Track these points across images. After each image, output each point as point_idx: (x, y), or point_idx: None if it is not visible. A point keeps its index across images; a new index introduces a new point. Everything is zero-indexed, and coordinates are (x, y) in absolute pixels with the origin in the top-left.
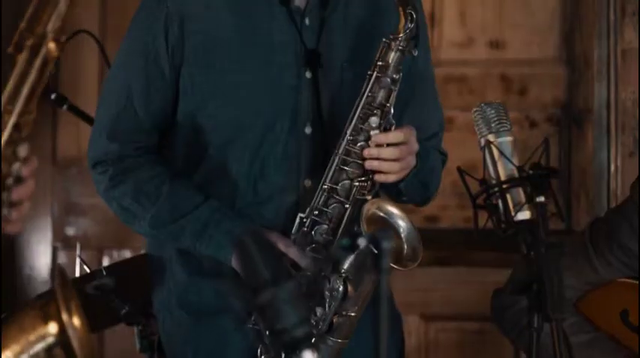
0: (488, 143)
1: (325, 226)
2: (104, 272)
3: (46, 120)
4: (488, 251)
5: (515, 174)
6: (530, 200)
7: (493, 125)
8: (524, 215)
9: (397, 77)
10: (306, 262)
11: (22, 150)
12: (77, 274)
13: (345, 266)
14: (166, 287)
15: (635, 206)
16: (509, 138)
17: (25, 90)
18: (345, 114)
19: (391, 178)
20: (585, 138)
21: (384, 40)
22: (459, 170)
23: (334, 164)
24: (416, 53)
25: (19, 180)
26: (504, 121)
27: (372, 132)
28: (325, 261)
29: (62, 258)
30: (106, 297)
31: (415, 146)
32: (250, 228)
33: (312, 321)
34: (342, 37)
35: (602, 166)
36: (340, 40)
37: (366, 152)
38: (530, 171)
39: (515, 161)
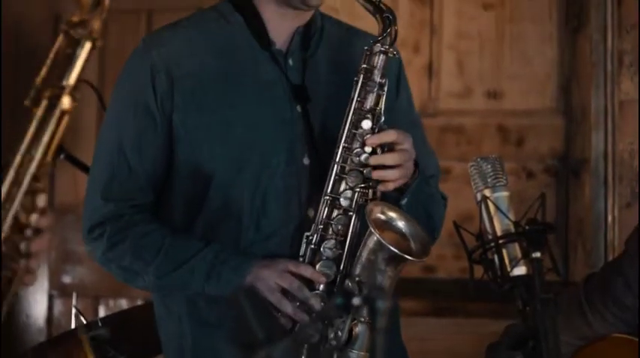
0: (485, 198)
1: (333, 241)
2: (100, 323)
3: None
4: (485, 302)
5: (512, 229)
6: (526, 255)
7: (489, 180)
8: (520, 270)
9: (384, 81)
10: (320, 277)
11: (41, 201)
12: (73, 324)
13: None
14: (178, 345)
15: (630, 261)
16: (505, 193)
17: (43, 142)
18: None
19: (391, 185)
20: (582, 188)
21: (365, 48)
22: (455, 224)
23: (333, 174)
24: (398, 55)
25: (37, 231)
26: (500, 176)
27: (365, 137)
28: (320, 318)
29: (58, 307)
30: (101, 348)
31: (413, 152)
32: (257, 263)
33: (331, 334)
34: (325, 74)
35: (600, 217)
36: (323, 77)
37: (372, 160)
38: (527, 227)
39: (512, 216)
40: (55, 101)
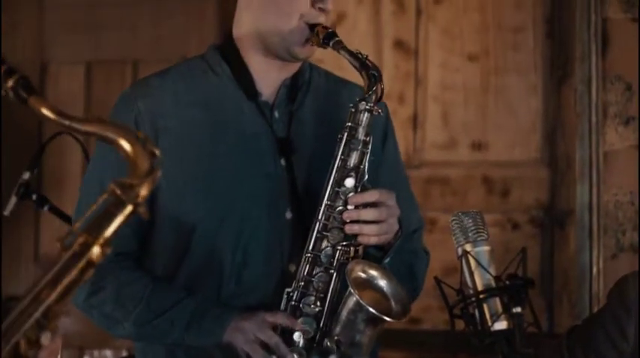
0: (466, 253)
1: (312, 297)
2: None
3: (28, 219)
4: (469, 355)
5: (492, 284)
6: (506, 310)
7: (470, 234)
8: (501, 325)
9: (368, 139)
10: (297, 324)
11: (45, 339)
12: None
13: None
14: None
15: (612, 314)
16: (486, 248)
17: (62, 285)
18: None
19: (372, 240)
20: (567, 240)
21: (350, 105)
22: (436, 279)
23: (315, 231)
24: (383, 113)
25: None
26: (482, 230)
27: (349, 195)
28: None
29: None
30: None
31: (396, 210)
32: (237, 315)
33: None
34: (311, 127)
35: (585, 268)
36: (309, 131)
37: (346, 215)
38: (507, 282)
39: (493, 270)
40: (85, 249)
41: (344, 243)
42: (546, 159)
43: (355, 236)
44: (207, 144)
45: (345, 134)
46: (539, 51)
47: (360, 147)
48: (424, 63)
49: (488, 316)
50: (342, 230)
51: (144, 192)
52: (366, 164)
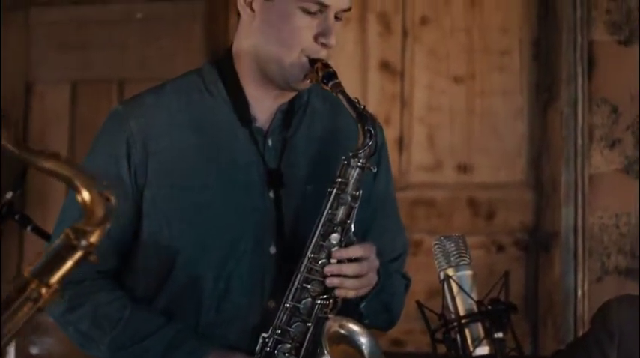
0: (448, 277)
1: (288, 345)
2: None
3: (12, 239)
4: None
5: (474, 308)
6: (488, 335)
7: (452, 259)
8: (483, 350)
9: (357, 194)
10: None
11: None
12: None
13: None
14: None
15: (595, 339)
16: (468, 272)
17: (10, 331)
18: (308, 233)
19: (351, 294)
20: (552, 262)
21: (343, 158)
22: (418, 303)
23: (296, 282)
24: (375, 169)
25: None
26: (464, 255)
27: (333, 250)
28: None
29: None
30: None
31: (376, 262)
32: (213, 350)
33: None
34: (304, 156)
35: (569, 291)
36: (302, 160)
37: (327, 269)
38: (489, 307)
39: (475, 295)
40: (34, 295)
41: (324, 297)
42: (532, 182)
43: (334, 289)
44: (197, 172)
45: (335, 189)
46: (525, 73)
47: (348, 202)
48: (410, 85)
49: (470, 341)
50: (322, 283)
51: (94, 239)
52: (354, 218)
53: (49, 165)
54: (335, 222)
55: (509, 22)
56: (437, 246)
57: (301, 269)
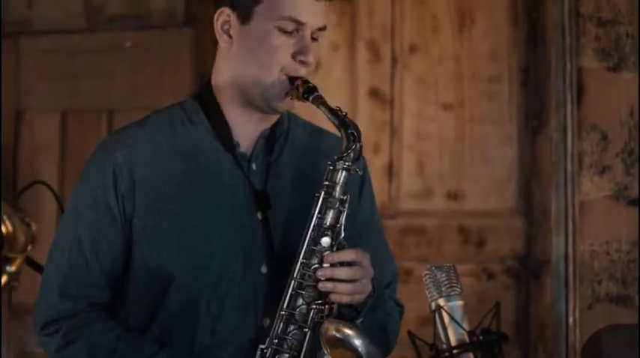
0: (439, 307)
1: (286, 354)
2: None
3: (3, 268)
4: None
5: (466, 339)
6: None
7: (444, 289)
8: None
9: (345, 198)
10: None
11: None
12: None
13: None
14: None
15: None
16: (459, 302)
17: None
18: (298, 251)
19: (345, 299)
20: (543, 290)
21: (328, 163)
22: (410, 334)
23: (290, 289)
24: (361, 172)
25: None
26: (455, 285)
27: (324, 253)
28: None
29: None
30: None
31: (370, 270)
32: None
33: None
34: (288, 179)
35: (561, 319)
36: (287, 182)
37: (320, 273)
38: (481, 337)
39: (466, 325)
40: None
41: (318, 302)
42: (522, 209)
43: (329, 294)
44: (184, 197)
45: (322, 192)
46: (514, 100)
47: (336, 206)
48: (399, 112)
49: None
50: (316, 288)
51: (14, 267)
52: (343, 222)
53: None
54: (325, 226)
55: (498, 49)
56: (428, 276)
57: (294, 275)
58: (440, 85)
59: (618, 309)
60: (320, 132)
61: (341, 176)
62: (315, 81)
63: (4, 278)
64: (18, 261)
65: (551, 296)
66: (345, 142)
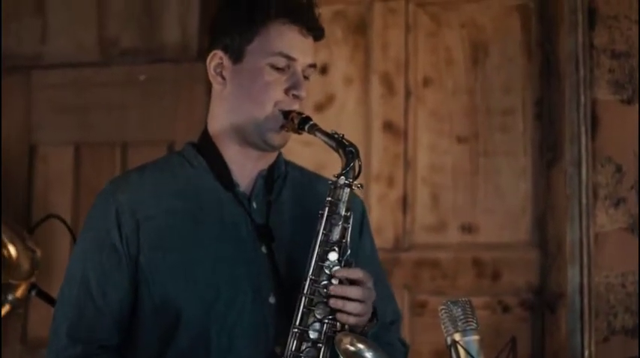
0: (455, 342)
1: None
2: None
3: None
4: None
5: None
6: None
7: (459, 324)
8: None
9: (349, 214)
10: None
11: None
12: None
13: None
14: None
15: None
16: (475, 337)
17: None
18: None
19: (351, 320)
20: (559, 323)
21: (329, 182)
22: None
23: (301, 306)
24: (362, 187)
25: None
26: (471, 320)
27: (333, 269)
28: None
29: None
30: None
31: (373, 293)
32: None
33: None
34: (289, 216)
35: (576, 352)
36: (287, 219)
37: (332, 289)
38: None
39: None
40: None
41: (330, 317)
42: (536, 242)
43: (337, 312)
44: (187, 233)
45: (326, 209)
46: (528, 133)
47: (341, 223)
48: (413, 145)
49: None
50: (327, 303)
51: (19, 293)
52: (348, 239)
53: None
54: (330, 241)
55: (512, 82)
56: (443, 311)
57: (305, 292)
58: (454, 117)
59: (634, 342)
60: (317, 176)
61: (343, 192)
62: (329, 114)
63: (6, 307)
64: (22, 288)
65: (566, 328)
66: (344, 160)
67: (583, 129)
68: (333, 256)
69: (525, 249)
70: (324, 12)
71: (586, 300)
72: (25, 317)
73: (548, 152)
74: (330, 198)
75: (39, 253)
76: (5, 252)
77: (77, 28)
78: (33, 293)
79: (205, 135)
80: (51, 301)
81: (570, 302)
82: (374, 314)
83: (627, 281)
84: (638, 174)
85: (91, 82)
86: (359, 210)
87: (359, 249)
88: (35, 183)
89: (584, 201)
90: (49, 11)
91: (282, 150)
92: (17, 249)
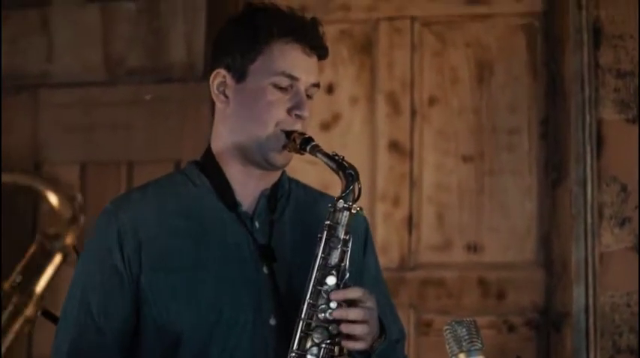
0: None
1: None
2: None
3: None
4: None
5: None
6: None
7: (464, 344)
8: None
9: (348, 238)
10: None
11: None
12: None
13: None
14: None
15: None
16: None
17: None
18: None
19: (358, 346)
20: (564, 342)
21: (329, 205)
22: None
23: (299, 330)
24: (362, 212)
25: None
26: (475, 340)
27: (330, 293)
28: None
29: None
30: None
31: (376, 311)
32: None
33: None
34: (291, 236)
35: None
36: (289, 239)
37: (335, 313)
38: None
39: None
40: (21, 308)
41: (328, 342)
42: (542, 261)
43: (339, 334)
44: (189, 253)
45: (325, 233)
46: (533, 152)
47: (340, 246)
48: (419, 164)
49: None
50: (325, 328)
51: (70, 240)
52: (347, 263)
53: (8, 178)
54: (329, 265)
55: (518, 101)
56: (448, 331)
57: (302, 316)
58: (459, 136)
59: None
60: (322, 194)
61: (342, 216)
62: (334, 133)
63: (57, 257)
64: (70, 235)
65: (571, 348)
66: (344, 183)
67: (588, 148)
68: (331, 280)
69: (531, 269)
70: (329, 31)
71: (591, 320)
72: (30, 337)
73: (553, 171)
74: (328, 222)
75: (80, 198)
76: (45, 201)
77: (83, 47)
78: (39, 313)
79: (208, 154)
80: (55, 320)
81: (575, 321)
82: (382, 330)
83: (632, 300)
84: None
85: (97, 101)
86: (362, 227)
87: (364, 269)
88: (41, 201)
89: (589, 220)
90: (55, 30)
91: (287, 169)
92: (58, 197)
